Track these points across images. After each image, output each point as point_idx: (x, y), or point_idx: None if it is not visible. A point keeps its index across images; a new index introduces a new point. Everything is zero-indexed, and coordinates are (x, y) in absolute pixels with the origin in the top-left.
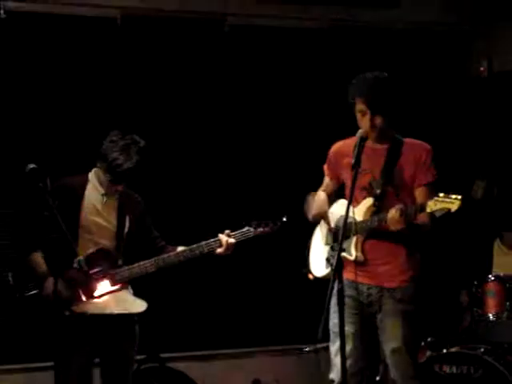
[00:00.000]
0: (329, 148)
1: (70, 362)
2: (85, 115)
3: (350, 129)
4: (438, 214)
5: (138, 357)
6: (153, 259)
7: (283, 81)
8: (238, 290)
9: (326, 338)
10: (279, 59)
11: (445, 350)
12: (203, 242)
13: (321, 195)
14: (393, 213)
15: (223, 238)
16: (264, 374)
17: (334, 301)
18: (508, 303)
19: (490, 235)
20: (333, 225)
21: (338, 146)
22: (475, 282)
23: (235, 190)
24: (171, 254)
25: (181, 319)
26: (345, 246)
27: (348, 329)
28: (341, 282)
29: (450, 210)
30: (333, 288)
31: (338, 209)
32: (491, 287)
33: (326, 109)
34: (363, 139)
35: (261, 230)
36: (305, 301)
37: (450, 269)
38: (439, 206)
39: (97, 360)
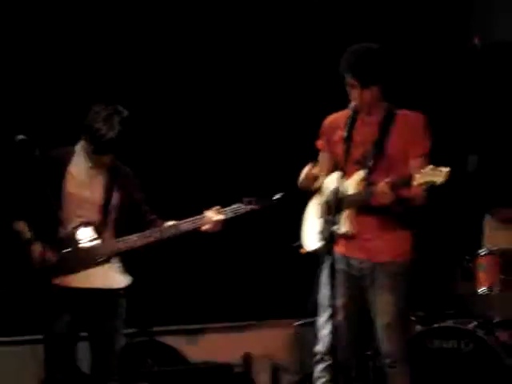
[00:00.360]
0: (320, 118)
1: (51, 332)
2: (71, 85)
3: (344, 102)
4: (423, 187)
5: (129, 331)
6: (137, 235)
7: (275, 53)
8: (229, 264)
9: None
10: (269, 26)
11: (436, 325)
12: (190, 219)
13: (308, 167)
14: (381, 186)
15: (210, 214)
16: (254, 347)
17: (323, 274)
18: (500, 277)
19: (481, 210)
20: (326, 198)
21: (330, 119)
22: (467, 257)
23: (232, 164)
24: (156, 229)
25: (171, 293)
26: (336, 219)
27: (337, 302)
28: (331, 255)
29: (435, 182)
30: (323, 261)
31: (332, 182)
32: (483, 261)
33: (319, 81)
34: (355, 112)
35: (252, 206)
36: (296, 275)
37: (441, 243)
38: (426, 178)
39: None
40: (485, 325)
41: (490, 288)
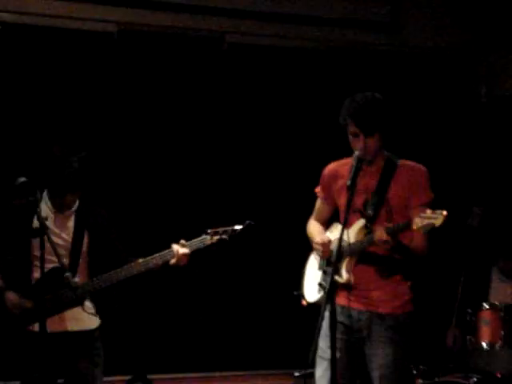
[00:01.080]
0: (320, 166)
1: (29, 378)
2: (80, 128)
3: (343, 150)
4: (423, 231)
5: (126, 377)
6: (105, 275)
7: (278, 98)
8: (229, 313)
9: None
10: (275, 78)
11: (437, 379)
12: (157, 254)
13: (316, 224)
14: (380, 231)
15: (176, 248)
16: None
17: (324, 325)
18: (502, 332)
19: (486, 262)
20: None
21: (330, 168)
22: (469, 310)
23: (210, 195)
24: (123, 268)
25: (170, 340)
26: (337, 269)
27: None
28: (333, 305)
29: (434, 225)
30: (324, 312)
31: (332, 233)
32: (486, 315)
33: (320, 129)
34: (360, 160)
35: (217, 237)
36: (297, 325)
37: (442, 295)
38: (425, 222)
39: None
40: (486, 380)
41: (491, 343)
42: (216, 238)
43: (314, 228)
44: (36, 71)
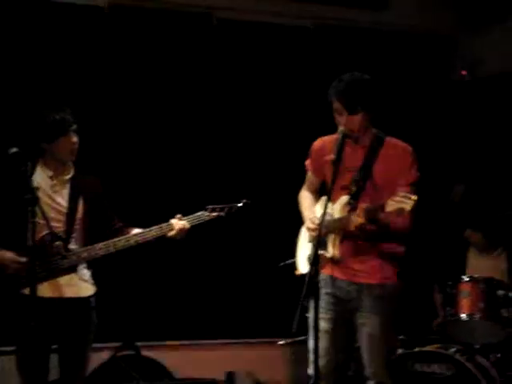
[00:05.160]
0: (310, 142)
1: (28, 344)
2: (72, 102)
3: (332, 126)
4: (395, 214)
5: (114, 344)
6: (102, 243)
7: (267, 74)
8: (217, 282)
9: (302, 331)
10: (264, 55)
11: (417, 349)
12: (155, 226)
13: (307, 197)
14: (355, 216)
15: (175, 222)
16: (239, 366)
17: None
18: (481, 305)
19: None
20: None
21: (319, 142)
22: (449, 282)
23: (198, 173)
24: (121, 238)
25: (159, 308)
26: (323, 243)
27: (324, 325)
28: (316, 277)
29: (404, 209)
30: (309, 283)
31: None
32: (465, 288)
33: (309, 105)
34: (345, 136)
35: (215, 214)
36: (284, 295)
37: (425, 268)
38: (396, 206)
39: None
40: (465, 350)
41: (471, 314)
42: (214, 214)
43: (304, 201)
44: (28, 44)
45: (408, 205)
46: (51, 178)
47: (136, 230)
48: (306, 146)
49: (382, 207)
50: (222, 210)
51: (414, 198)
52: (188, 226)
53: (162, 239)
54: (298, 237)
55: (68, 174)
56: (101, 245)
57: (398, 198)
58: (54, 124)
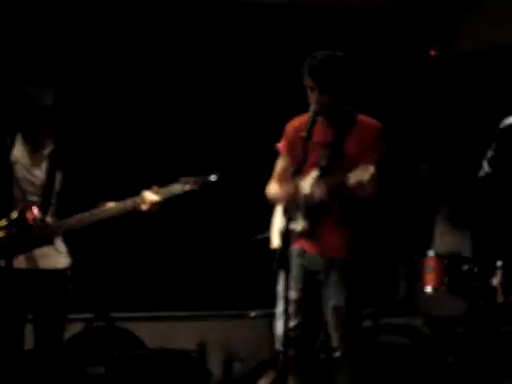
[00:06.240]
0: (282, 118)
1: (2, 315)
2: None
3: (306, 105)
4: (356, 186)
5: (87, 315)
6: (78, 216)
7: (240, 51)
8: (190, 253)
9: (273, 304)
10: (237, 32)
11: (384, 321)
12: (128, 199)
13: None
14: (319, 187)
15: (147, 195)
16: (210, 337)
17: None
18: (446, 279)
19: (431, 212)
20: None
21: (293, 122)
22: (415, 257)
23: (171, 146)
24: (95, 211)
25: (131, 280)
26: (295, 217)
27: (293, 294)
28: (286, 249)
29: (362, 180)
30: (280, 255)
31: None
32: (431, 262)
33: (281, 82)
34: (316, 113)
35: (188, 186)
36: (257, 268)
37: (390, 242)
38: (356, 178)
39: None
40: (431, 323)
41: (436, 288)
42: (187, 186)
43: (274, 186)
44: (14, 13)
45: (365, 175)
46: (30, 152)
47: (109, 204)
48: (278, 122)
49: (344, 180)
50: (195, 182)
51: (372, 169)
52: (159, 199)
53: (137, 213)
54: (273, 211)
55: (47, 148)
56: (77, 217)
57: (357, 171)
58: (38, 114)
